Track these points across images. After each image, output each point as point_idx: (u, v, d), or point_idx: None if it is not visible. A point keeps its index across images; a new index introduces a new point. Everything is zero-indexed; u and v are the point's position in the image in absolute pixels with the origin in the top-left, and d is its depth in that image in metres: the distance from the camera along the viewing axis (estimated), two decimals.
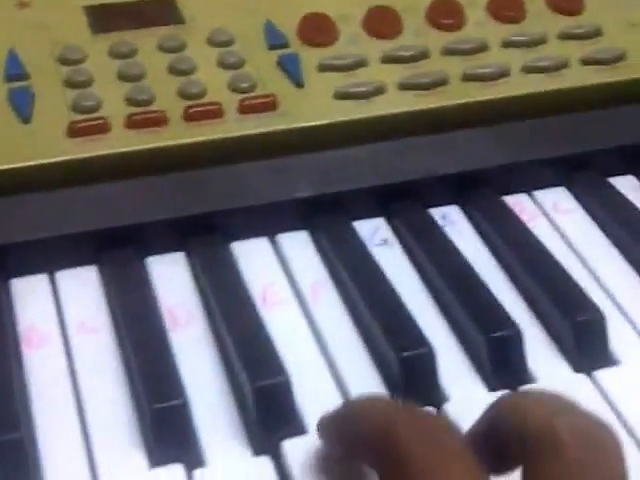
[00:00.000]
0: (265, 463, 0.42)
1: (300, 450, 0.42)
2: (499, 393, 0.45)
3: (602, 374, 0.47)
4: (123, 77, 0.57)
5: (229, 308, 0.49)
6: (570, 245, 0.55)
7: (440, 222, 0.56)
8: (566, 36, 0.63)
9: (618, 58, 0.62)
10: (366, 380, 0.46)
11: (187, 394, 0.44)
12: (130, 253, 0.52)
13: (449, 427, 0.37)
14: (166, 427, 0.42)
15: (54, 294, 0.51)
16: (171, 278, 0.52)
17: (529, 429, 0.35)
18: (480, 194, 0.57)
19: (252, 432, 0.44)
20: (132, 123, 0.55)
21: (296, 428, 0.44)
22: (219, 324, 0.48)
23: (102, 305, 0.50)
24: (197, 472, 0.42)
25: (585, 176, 0.59)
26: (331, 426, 0.40)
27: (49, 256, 0.51)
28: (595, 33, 0.63)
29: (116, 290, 0.50)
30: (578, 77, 0.61)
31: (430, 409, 0.45)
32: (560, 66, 0.61)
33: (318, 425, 0.41)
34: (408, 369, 0.45)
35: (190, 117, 0.55)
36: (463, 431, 0.38)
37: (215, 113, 0.56)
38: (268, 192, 0.55)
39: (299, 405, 0.45)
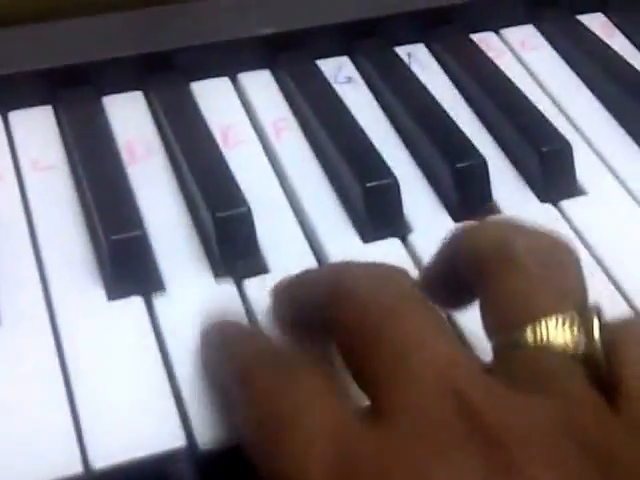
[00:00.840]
0: (227, 288, 0.42)
1: (261, 287, 0.42)
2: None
3: (568, 204, 0.46)
4: None
5: (189, 143, 0.47)
6: (537, 81, 0.54)
7: (406, 60, 0.55)
8: None
9: None
10: (330, 215, 0.46)
11: (146, 226, 0.43)
12: (87, 92, 0.50)
13: (398, 272, 0.36)
14: (124, 259, 0.41)
15: (7, 134, 0.49)
16: (129, 116, 0.50)
17: (484, 251, 0.34)
18: (446, 32, 0.56)
19: (213, 261, 0.43)
20: None
21: (258, 265, 0.43)
22: (179, 158, 0.47)
23: (57, 144, 0.49)
24: (156, 299, 0.41)
25: (553, 13, 0.58)
26: (284, 293, 0.39)
27: (2, 95, 0.50)
28: None
29: (71, 128, 0.48)
30: None
31: (395, 239, 0.44)
32: None
33: (272, 293, 0.39)
34: (372, 200, 0.45)
35: None
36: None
37: None
38: (229, 29, 0.53)
39: (261, 243, 0.44)
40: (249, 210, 0.43)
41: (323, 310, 0.34)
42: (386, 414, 0.30)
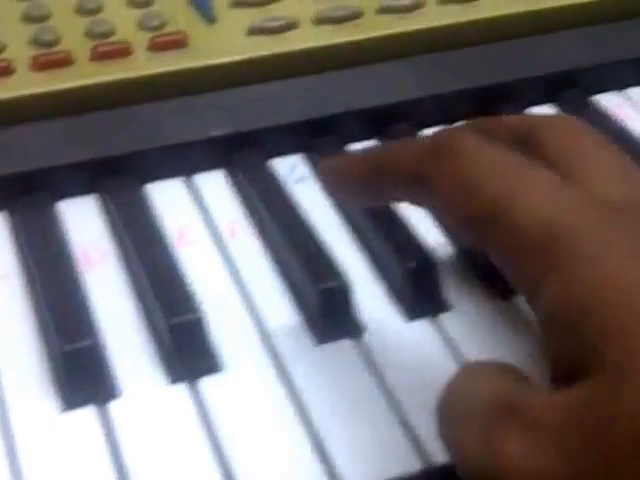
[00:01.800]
0: (182, 392, 0.42)
1: (217, 387, 0.42)
2: (417, 323, 0.45)
3: None
4: (27, 19, 0.56)
5: (143, 247, 0.48)
6: None
7: None
8: None
9: None
10: (285, 315, 0.46)
11: (101, 333, 0.44)
12: (40, 198, 0.51)
13: None
14: (78, 369, 0.41)
15: None
16: (83, 221, 0.51)
17: None
18: (399, 128, 0.57)
19: (168, 364, 0.43)
20: (37, 65, 0.53)
21: (213, 365, 0.43)
22: (133, 263, 0.47)
23: (11, 252, 0.49)
24: (111, 404, 0.41)
25: (504, 108, 0.59)
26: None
27: None
28: None
29: (25, 235, 0.49)
30: (496, 6, 0.61)
31: (348, 341, 0.45)
32: None
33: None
34: (325, 302, 0.45)
35: (97, 56, 0.54)
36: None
37: (123, 52, 0.55)
38: (182, 131, 0.54)
39: (216, 342, 0.44)
40: (203, 315, 0.43)
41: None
42: None
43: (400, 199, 0.41)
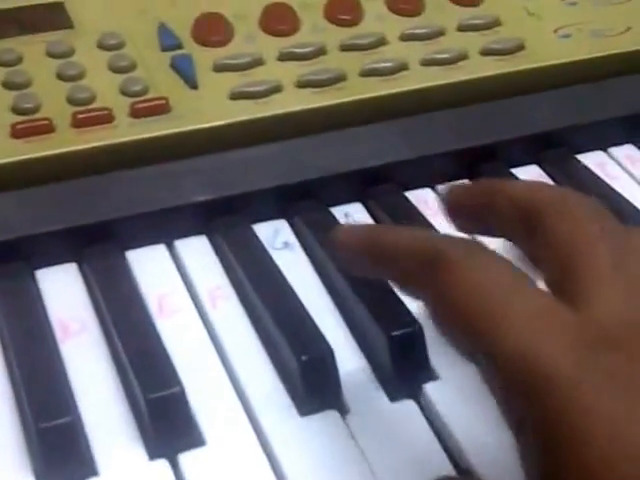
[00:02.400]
0: (162, 468, 0.41)
1: (198, 462, 0.42)
2: (403, 403, 0.45)
3: None
4: (8, 85, 0.56)
5: (122, 318, 0.47)
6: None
7: (342, 221, 0.55)
8: (465, 27, 0.63)
9: (517, 48, 0.62)
10: (267, 386, 0.46)
11: (79, 408, 0.43)
12: (18, 267, 0.50)
13: None
14: (55, 447, 0.41)
15: None
16: (63, 290, 0.50)
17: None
18: (383, 190, 0.57)
19: (147, 439, 0.43)
20: (17, 132, 0.53)
21: (193, 439, 0.43)
22: (112, 334, 0.47)
23: None
24: None
25: (488, 168, 0.59)
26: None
27: None
28: (494, 23, 0.63)
29: (3, 305, 0.48)
30: (477, 68, 0.61)
31: (332, 412, 0.44)
32: (459, 58, 0.61)
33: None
34: (308, 373, 0.44)
35: (78, 123, 0.54)
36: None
37: (105, 118, 0.54)
38: (163, 197, 0.54)
39: (197, 416, 0.44)
40: (182, 390, 0.43)
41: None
42: None
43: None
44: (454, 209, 0.42)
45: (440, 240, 0.37)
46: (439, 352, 0.46)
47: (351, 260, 0.42)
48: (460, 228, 0.42)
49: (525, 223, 0.37)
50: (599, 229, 0.35)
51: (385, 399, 0.45)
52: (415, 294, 0.38)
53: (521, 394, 0.32)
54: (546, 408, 0.31)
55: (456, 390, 0.45)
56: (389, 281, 0.41)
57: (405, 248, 0.37)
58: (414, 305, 0.48)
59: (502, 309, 0.33)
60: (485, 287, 0.34)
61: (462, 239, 0.38)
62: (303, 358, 0.44)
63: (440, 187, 0.44)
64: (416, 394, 0.45)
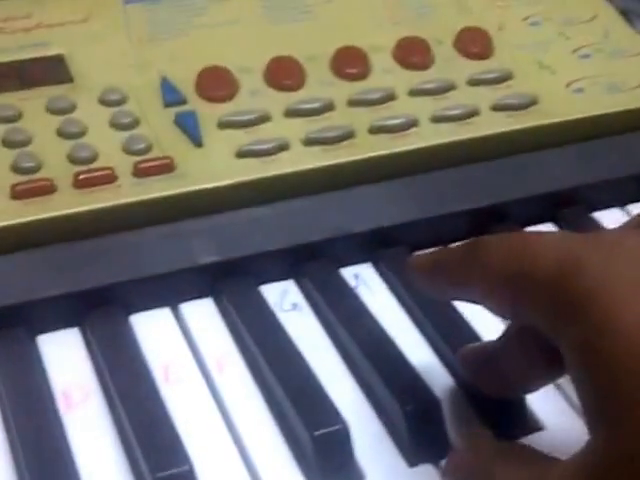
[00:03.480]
0: None
1: None
2: (419, 468, 0.43)
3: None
4: (7, 144, 0.55)
5: (127, 388, 0.46)
6: None
7: (352, 282, 0.54)
8: (476, 82, 0.62)
9: (530, 103, 0.61)
10: (277, 460, 0.44)
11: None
12: (19, 333, 0.49)
13: None
14: None
15: None
16: (65, 357, 0.49)
17: None
18: (393, 251, 0.56)
19: None
20: (17, 193, 0.52)
21: None
22: (117, 404, 0.46)
23: None
24: None
25: (502, 228, 0.58)
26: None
27: None
28: (505, 77, 0.63)
29: (3, 375, 0.47)
30: (489, 124, 0.60)
31: None
32: (471, 114, 0.60)
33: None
34: (321, 447, 0.43)
35: (80, 184, 0.53)
36: None
37: (107, 178, 0.53)
38: (168, 260, 0.52)
39: None
40: (191, 468, 0.41)
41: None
42: None
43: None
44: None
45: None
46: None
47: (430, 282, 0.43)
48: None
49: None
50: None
51: (403, 467, 0.44)
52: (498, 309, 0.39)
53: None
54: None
55: None
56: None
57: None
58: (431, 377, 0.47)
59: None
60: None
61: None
62: (316, 433, 0.43)
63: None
64: (435, 460, 0.44)
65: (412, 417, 0.44)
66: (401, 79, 0.62)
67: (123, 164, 0.54)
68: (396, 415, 0.45)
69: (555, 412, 0.46)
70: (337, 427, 0.43)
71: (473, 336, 0.49)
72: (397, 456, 0.44)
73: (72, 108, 0.58)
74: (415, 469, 0.44)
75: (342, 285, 0.54)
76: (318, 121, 0.59)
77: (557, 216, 0.59)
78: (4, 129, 0.55)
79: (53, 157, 0.54)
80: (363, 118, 0.59)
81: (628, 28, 0.68)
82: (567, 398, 0.47)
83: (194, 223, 0.54)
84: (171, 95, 0.59)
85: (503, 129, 0.60)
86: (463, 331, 0.50)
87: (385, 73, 0.63)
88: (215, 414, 0.46)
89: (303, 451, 0.44)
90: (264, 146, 0.57)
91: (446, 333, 0.49)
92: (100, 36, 0.62)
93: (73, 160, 0.54)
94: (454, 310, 0.51)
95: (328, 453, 0.43)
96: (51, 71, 0.60)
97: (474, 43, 0.65)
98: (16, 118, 0.56)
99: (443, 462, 0.43)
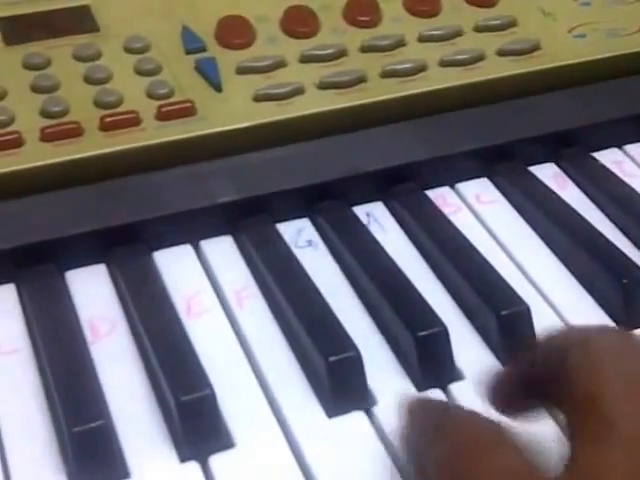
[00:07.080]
0: (193, 470, 0.40)
1: (228, 464, 0.40)
2: (428, 392, 0.43)
3: None
4: (36, 89, 0.54)
5: (151, 320, 0.45)
6: (493, 236, 0.53)
7: (364, 220, 0.53)
8: (482, 28, 0.61)
9: (533, 48, 0.60)
10: (294, 387, 0.44)
11: (110, 408, 0.41)
12: (49, 268, 0.48)
13: None
14: (87, 450, 0.39)
15: None
16: (92, 291, 0.48)
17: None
18: (403, 189, 0.55)
19: (179, 443, 0.41)
20: (46, 136, 0.51)
21: (223, 441, 0.41)
22: (142, 336, 0.45)
23: (20, 325, 0.46)
24: None
25: (506, 166, 0.57)
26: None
27: None
28: (510, 24, 0.61)
29: (35, 308, 0.46)
30: (495, 69, 0.59)
31: (360, 414, 0.42)
32: (477, 58, 0.59)
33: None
34: (336, 374, 0.42)
35: (106, 127, 0.52)
36: None
37: (132, 121, 0.52)
38: (189, 199, 0.52)
39: (226, 417, 0.42)
40: (213, 393, 0.41)
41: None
42: None
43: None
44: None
45: None
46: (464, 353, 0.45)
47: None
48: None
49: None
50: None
51: (413, 389, 0.44)
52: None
53: None
54: None
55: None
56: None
57: None
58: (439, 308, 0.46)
59: None
60: None
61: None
62: (330, 359, 0.43)
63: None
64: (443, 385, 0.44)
65: (422, 344, 0.43)
66: (410, 26, 0.61)
67: (147, 108, 0.53)
68: (407, 342, 0.44)
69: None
70: (350, 354, 0.43)
71: (484, 267, 0.48)
72: (407, 382, 0.44)
73: (98, 55, 0.57)
74: (424, 393, 0.43)
75: (355, 222, 0.53)
76: (332, 66, 0.58)
77: (558, 156, 0.58)
78: (33, 76, 0.55)
79: (80, 102, 0.53)
80: (374, 63, 0.58)
81: None
82: None
83: (214, 164, 0.53)
84: (192, 42, 0.58)
85: (508, 73, 0.58)
86: (474, 262, 0.49)
87: (395, 21, 0.61)
88: (235, 344, 0.46)
89: (318, 377, 0.43)
90: (280, 90, 0.56)
91: (456, 265, 0.49)
92: None
93: (99, 104, 0.53)
94: (464, 241, 0.50)
95: (342, 378, 0.42)
96: (78, 20, 0.59)
97: None
98: (44, 65, 0.55)
99: (451, 386, 0.43)
